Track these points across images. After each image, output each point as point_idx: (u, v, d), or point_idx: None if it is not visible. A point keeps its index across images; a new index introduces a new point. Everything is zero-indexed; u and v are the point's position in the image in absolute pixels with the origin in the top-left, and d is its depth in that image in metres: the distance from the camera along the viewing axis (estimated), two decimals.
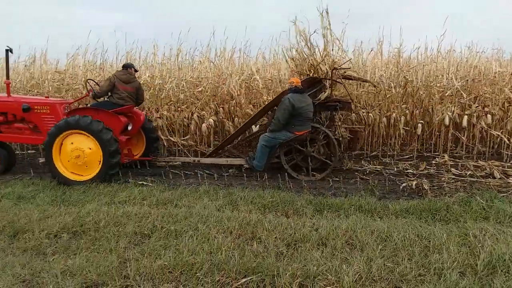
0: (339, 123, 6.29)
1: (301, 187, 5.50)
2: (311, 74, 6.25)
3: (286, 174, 5.93)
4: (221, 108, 7.56)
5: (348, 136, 6.29)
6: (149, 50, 8.27)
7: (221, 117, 7.53)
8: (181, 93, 7.56)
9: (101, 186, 5.29)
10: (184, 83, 7.65)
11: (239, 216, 4.04)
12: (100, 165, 5.48)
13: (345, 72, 6.37)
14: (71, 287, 2.76)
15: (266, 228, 3.70)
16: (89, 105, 6.69)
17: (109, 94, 6.07)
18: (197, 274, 2.91)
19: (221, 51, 8.21)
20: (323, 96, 6.04)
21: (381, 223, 3.89)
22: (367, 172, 6.39)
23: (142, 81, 7.51)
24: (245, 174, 5.96)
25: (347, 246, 3.37)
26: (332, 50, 6.36)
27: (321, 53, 6.31)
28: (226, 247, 3.29)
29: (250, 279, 2.84)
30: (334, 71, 6.02)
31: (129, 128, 6.22)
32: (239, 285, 2.80)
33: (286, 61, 6.99)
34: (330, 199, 4.77)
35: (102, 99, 6.28)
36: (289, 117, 5.62)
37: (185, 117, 7.52)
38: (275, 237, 3.53)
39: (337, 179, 5.88)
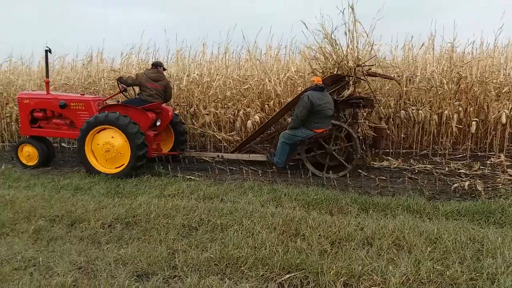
0: (363, 121, 6.22)
1: (346, 185, 5.43)
2: (335, 72, 6.14)
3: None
4: (266, 105, 7.61)
5: (372, 135, 6.21)
6: (197, 49, 8.46)
7: (266, 114, 7.58)
8: (228, 91, 7.69)
9: (152, 180, 5.53)
10: (230, 81, 7.77)
11: (283, 213, 4.07)
12: (129, 158, 5.72)
13: (369, 69, 6.21)
14: (123, 275, 2.90)
15: (310, 225, 3.70)
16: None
17: (139, 91, 6.34)
18: (242, 268, 2.98)
19: (267, 49, 8.26)
20: (346, 93, 5.93)
21: (430, 224, 3.77)
22: (416, 171, 6.18)
23: (191, 79, 7.74)
24: (289, 171, 5.97)
25: (394, 247, 3.30)
26: (357, 46, 6.17)
27: (344, 50, 6.18)
28: (270, 243, 3.33)
29: (294, 275, 2.87)
30: (357, 68, 5.93)
31: (158, 123, 6.44)
32: (282, 280, 2.83)
33: (305, 60, 6.94)
34: (376, 198, 4.68)
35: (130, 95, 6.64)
36: (307, 114, 5.59)
37: (231, 114, 7.66)
38: (319, 235, 3.53)
39: (384, 177, 5.75)
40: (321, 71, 6.48)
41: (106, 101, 6.65)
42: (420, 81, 7.19)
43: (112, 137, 5.75)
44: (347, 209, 4.31)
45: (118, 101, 6.72)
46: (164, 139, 6.97)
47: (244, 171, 6.10)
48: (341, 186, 5.40)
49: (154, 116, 6.30)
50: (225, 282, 2.80)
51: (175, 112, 7.14)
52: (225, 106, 7.73)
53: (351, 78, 5.93)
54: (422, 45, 7.67)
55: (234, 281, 2.84)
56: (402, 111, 7.16)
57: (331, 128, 5.84)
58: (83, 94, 6.97)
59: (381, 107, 7.07)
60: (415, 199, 4.55)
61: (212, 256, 3.13)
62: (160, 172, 6.04)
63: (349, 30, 6.11)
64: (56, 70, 9.15)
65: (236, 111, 7.61)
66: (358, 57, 6.08)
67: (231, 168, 6.42)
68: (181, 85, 7.76)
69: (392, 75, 6.90)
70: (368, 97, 6.07)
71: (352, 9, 5.99)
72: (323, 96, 5.68)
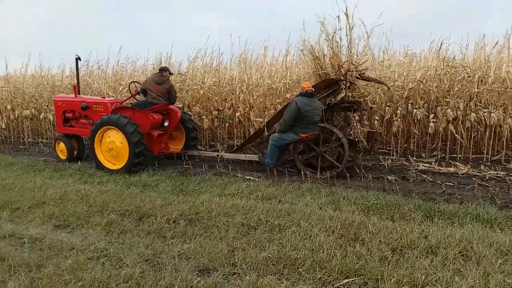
0: (355, 124, 6.30)
1: (409, 190, 5.23)
2: (332, 75, 6.22)
3: (391, 177, 5.69)
4: None
5: (364, 138, 6.29)
6: (259, 52, 8.59)
7: None
8: (288, 93, 7.74)
9: (213, 179, 5.73)
10: (290, 82, 7.81)
11: (342, 216, 4.03)
12: (128, 156, 6.17)
13: (363, 73, 6.20)
14: (186, 269, 3.06)
15: (369, 231, 3.63)
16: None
17: (146, 94, 6.79)
18: (299, 270, 3.01)
19: None
20: (339, 97, 6.05)
21: (502, 235, 3.52)
22: (487, 178, 5.78)
23: (253, 82, 7.87)
24: (348, 174, 5.88)
25: (461, 257, 3.14)
26: (351, 52, 6.17)
27: (337, 55, 6.18)
28: (328, 246, 3.32)
29: (352, 280, 2.84)
30: (349, 72, 5.99)
31: (166, 124, 6.84)
32: (340, 285, 2.82)
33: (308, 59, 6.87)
34: (442, 205, 4.45)
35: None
36: (294, 119, 5.81)
37: None
38: (379, 241, 3.45)
39: (451, 184, 5.45)
40: (316, 73, 6.56)
41: (123, 103, 7.07)
42: (493, 82, 6.70)
43: (116, 136, 6.29)
44: (410, 215, 4.15)
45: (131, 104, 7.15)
46: (177, 138, 7.43)
47: (302, 173, 6.10)
48: (404, 191, 5.21)
49: (160, 117, 6.75)
50: (283, 283, 2.84)
51: (185, 111, 7.56)
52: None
53: (343, 82, 6.03)
54: (496, 44, 7.14)
55: (292, 282, 2.88)
56: (473, 114, 6.72)
57: (322, 130, 6.05)
58: (104, 97, 7.57)
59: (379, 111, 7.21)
60: (486, 207, 4.27)
61: (270, 255, 3.19)
62: (221, 172, 6.24)
63: (346, 34, 6.14)
64: (128, 73, 9.78)
65: None
66: (351, 62, 6.10)
67: (290, 170, 6.45)
68: (243, 88, 7.92)
69: (382, 80, 6.79)
70: (358, 101, 6.12)
71: (347, 15, 6.00)
72: (311, 102, 5.85)
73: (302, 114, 5.76)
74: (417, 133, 7.35)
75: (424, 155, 7.29)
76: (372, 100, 7.19)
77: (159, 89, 6.72)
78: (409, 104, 7.17)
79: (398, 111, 7.20)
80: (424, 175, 5.91)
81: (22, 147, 9.46)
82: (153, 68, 9.39)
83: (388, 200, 4.57)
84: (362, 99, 6.29)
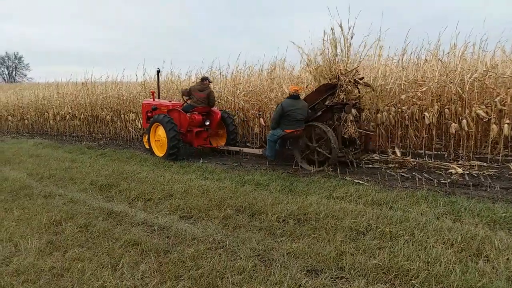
0: (350, 124, 6.83)
1: None
2: (333, 80, 6.89)
3: None
4: (446, 109, 6.98)
5: (358, 137, 6.93)
6: (372, 52, 8.34)
7: (445, 119, 6.96)
8: (403, 94, 7.36)
9: (322, 181, 5.76)
10: (406, 83, 7.41)
11: (463, 228, 3.72)
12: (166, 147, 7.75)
13: (361, 78, 6.93)
14: (295, 268, 3.17)
15: (495, 247, 3.30)
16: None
17: (189, 98, 8.38)
18: (412, 281, 2.89)
19: (451, 47, 7.53)
20: (336, 99, 6.80)
21: None
22: None
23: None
24: (471, 183, 5.37)
25: None
26: (346, 58, 6.86)
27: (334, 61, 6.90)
28: (446, 260, 3.12)
29: None
30: (342, 77, 6.69)
31: (207, 123, 8.28)
32: None
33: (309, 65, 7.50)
34: None
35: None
36: (279, 118, 6.79)
37: (404, 118, 7.32)
38: (507, 258, 3.11)
39: None
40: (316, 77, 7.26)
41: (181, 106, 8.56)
42: None
43: (162, 131, 7.87)
44: None
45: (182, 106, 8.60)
46: (221, 135, 8.77)
47: (417, 179, 5.76)
48: None
49: (200, 117, 8.23)
50: None
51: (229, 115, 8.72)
52: (399, 110, 7.41)
53: (338, 86, 6.73)
54: None
55: None
56: None
57: (314, 128, 6.67)
58: (170, 101, 9.26)
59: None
60: None
61: (380, 263, 3.12)
62: (330, 175, 6.24)
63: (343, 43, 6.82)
64: (245, 78, 10.37)
65: (410, 114, 7.24)
66: (346, 68, 6.78)
67: (403, 175, 6.13)
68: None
69: (369, 83, 7.25)
70: (347, 103, 6.62)
71: (341, 27, 6.75)
72: (294, 103, 6.75)
73: (286, 113, 6.71)
74: None
75: None
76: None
77: (201, 95, 8.20)
78: None
79: None
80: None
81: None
82: (268, 73, 9.76)
83: None
84: (354, 101, 6.84)
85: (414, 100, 7.30)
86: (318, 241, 3.68)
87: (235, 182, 5.92)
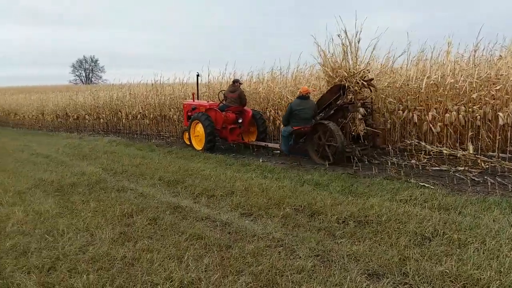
0: (358, 122, 7.20)
1: None
2: (342, 81, 7.31)
3: None
4: None
5: (365, 133, 7.32)
6: (441, 48, 7.92)
7: None
8: (474, 92, 6.90)
9: (384, 183, 5.61)
10: (478, 81, 6.94)
11: None
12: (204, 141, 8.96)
13: (371, 79, 7.32)
14: (355, 270, 3.13)
15: None
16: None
17: (224, 99, 9.45)
18: None
19: None
20: (343, 100, 7.32)
21: None
22: None
23: (431, 81, 7.32)
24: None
25: None
26: (355, 62, 7.26)
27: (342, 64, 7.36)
28: None
29: None
30: (349, 78, 7.17)
31: (240, 121, 9.26)
32: None
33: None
34: None
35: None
36: (289, 116, 7.68)
37: (475, 118, 6.88)
38: None
39: None
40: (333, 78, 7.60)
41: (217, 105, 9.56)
42: None
43: (200, 127, 9.09)
44: None
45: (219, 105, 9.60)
46: (252, 132, 9.65)
47: (489, 183, 5.39)
48: None
49: (234, 116, 9.23)
50: None
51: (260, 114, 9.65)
52: (469, 110, 6.96)
53: (347, 87, 7.22)
54: None
55: None
56: None
57: (321, 125, 7.29)
58: (208, 101, 10.53)
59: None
60: None
61: (447, 271, 2.99)
62: (393, 176, 6.04)
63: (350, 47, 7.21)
64: (305, 78, 10.35)
65: (482, 114, 6.78)
66: (353, 71, 7.18)
67: (473, 178, 5.77)
68: (421, 89, 7.42)
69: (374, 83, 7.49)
70: (352, 103, 7.21)
71: (346, 33, 7.17)
72: (302, 103, 7.57)
73: (293, 112, 7.56)
74: None
75: None
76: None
77: (233, 95, 9.24)
78: None
79: None
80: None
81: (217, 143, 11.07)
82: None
83: None
84: (362, 101, 7.38)
85: (486, 99, 6.81)
86: (380, 245, 3.59)
87: (294, 181, 5.95)
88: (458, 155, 6.55)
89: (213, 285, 3.01)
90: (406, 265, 3.15)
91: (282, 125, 8.51)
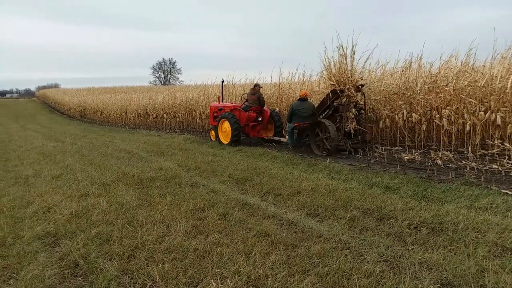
0: (350, 121, 8.50)
1: None
2: (342, 86, 8.61)
3: None
4: None
5: (356, 130, 8.58)
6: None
7: None
8: None
9: (461, 189, 5.27)
10: None
11: None
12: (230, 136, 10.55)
13: (362, 85, 8.66)
14: (427, 279, 3.00)
15: None
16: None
17: (247, 100, 10.99)
18: None
19: None
20: (337, 102, 8.72)
21: None
22: None
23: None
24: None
25: None
26: (350, 69, 8.55)
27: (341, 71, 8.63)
28: None
29: None
30: (343, 84, 8.58)
31: (259, 119, 10.84)
32: None
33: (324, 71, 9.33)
34: None
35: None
36: (291, 114, 9.45)
37: None
38: None
39: None
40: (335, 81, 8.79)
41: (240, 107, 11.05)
42: None
43: (227, 124, 10.65)
44: None
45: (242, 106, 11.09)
46: (269, 128, 11.17)
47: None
48: None
49: (255, 115, 10.79)
50: None
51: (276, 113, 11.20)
52: None
53: (342, 91, 8.53)
54: None
55: None
56: None
57: (319, 123, 8.73)
58: (232, 103, 12.18)
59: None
60: None
61: None
62: (471, 182, 5.65)
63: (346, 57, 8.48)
64: (377, 77, 10.04)
65: None
66: (348, 78, 8.44)
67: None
68: (507, 88, 6.82)
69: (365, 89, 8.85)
70: (342, 104, 8.56)
71: (342, 46, 8.52)
72: (301, 104, 9.36)
73: (294, 111, 9.36)
74: None
75: None
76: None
77: (253, 97, 10.82)
78: None
79: None
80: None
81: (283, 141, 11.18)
82: (402, 71, 9.26)
83: None
84: (354, 103, 8.58)
85: None
86: (455, 254, 3.41)
87: (362, 183, 5.83)
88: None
89: (279, 282, 3.07)
90: (484, 277, 2.97)
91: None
